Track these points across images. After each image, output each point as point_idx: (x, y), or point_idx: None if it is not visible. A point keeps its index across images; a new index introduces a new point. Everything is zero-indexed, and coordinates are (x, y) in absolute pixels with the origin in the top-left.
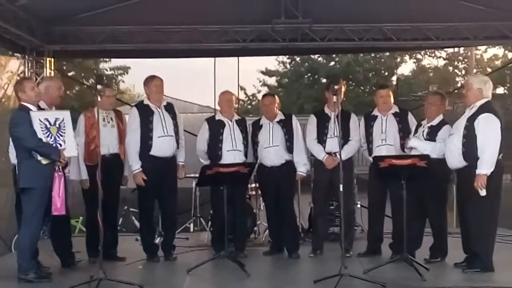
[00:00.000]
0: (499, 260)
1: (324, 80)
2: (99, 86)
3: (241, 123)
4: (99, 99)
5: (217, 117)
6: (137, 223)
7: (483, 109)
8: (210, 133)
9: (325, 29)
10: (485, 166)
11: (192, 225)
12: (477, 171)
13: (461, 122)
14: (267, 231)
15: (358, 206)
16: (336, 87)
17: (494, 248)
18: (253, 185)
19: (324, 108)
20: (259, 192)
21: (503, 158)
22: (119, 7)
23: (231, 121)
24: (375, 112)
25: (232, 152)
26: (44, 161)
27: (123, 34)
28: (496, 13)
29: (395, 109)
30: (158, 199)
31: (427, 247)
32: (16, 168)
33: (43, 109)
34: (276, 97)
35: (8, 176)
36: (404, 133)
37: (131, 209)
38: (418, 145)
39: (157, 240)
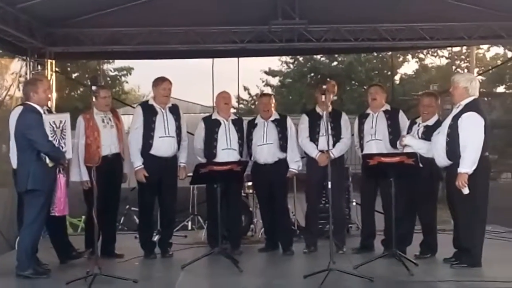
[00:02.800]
0: (490, 256)
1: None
2: (93, 87)
3: (237, 123)
4: (94, 99)
5: (213, 116)
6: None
7: (468, 107)
8: (205, 132)
9: (321, 30)
10: (466, 165)
11: (190, 223)
12: (458, 170)
13: (447, 121)
14: (263, 228)
15: (354, 204)
16: (324, 86)
17: (486, 244)
18: (250, 183)
19: (316, 108)
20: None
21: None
22: (119, 9)
23: (227, 120)
24: (368, 110)
25: (227, 151)
26: (50, 164)
27: (123, 35)
28: (490, 12)
29: (386, 107)
30: (158, 198)
31: (418, 243)
32: (18, 169)
33: (50, 112)
34: (272, 97)
35: (9, 176)
36: (393, 129)
37: (132, 208)
38: (413, 143)
39: (155, 238)
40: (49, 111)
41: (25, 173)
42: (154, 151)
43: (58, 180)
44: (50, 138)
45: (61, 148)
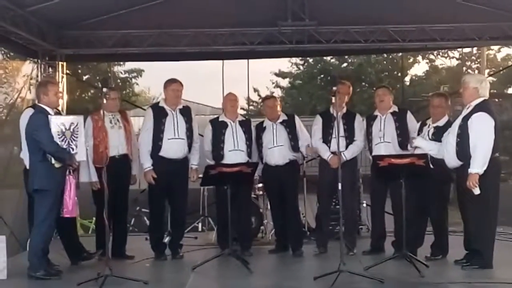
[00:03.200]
0: (500, 257)
1: None
2: (104, 89)
3: (244, 124)
4: (104, 101)
5: (220, 118)
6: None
7: (478, 108)
8: (213, 133)
9: (331, 31)
10: (477, 165)
11: (200, 224)
12: (469, 170)
13: (457, 122)
14: (274, 230)
15: (364, 205)
16: (334, 88)
17: (497, 246)
18: (260, 185)
19: (330, 109)
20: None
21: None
22: (129, 12)
23: (233, 121)
24: (376, 112)
25: (234, 152)
26: (57, 165)
27: (133, 38)
28: (500, 13)
29: (394, 108)
30: (168, 199)
31: (429, 245)
32: (29, 169)
33: (59, 114)
34: (277, 98)
35: (21, 178)
36: (402, 131)
37: (143, 210)
38: (424, 144)
39: (166, 239)
40: (58, 113)
41: (32, 173)
42: (163, 153)
43: (68, 182)
44: (57, 139)
45: (71, 150)
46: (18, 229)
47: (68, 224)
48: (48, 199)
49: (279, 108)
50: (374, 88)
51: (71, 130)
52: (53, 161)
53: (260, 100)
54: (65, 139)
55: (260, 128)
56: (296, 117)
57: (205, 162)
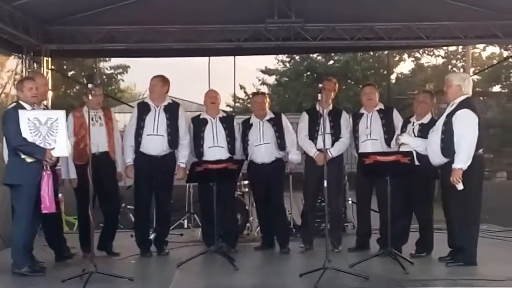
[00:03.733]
0: (484, 254)
1: None
2: (89, 85)
3: (225, 120)
4: (89, 97)
5: (201, 116)
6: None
7: (461, 105)
8: (194, 131)
9: (317, 29)
10: (460, 160)
11: (186, 221)
12: (453, 166)
13: (441, 119)
14: (259, 227)
15: (350, 202)
16: (320, 85)
17: (482, 243)
18: (246, 182)
19: (316, 106)
20: None
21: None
22: (115, 7)
23: (214, 118)
24: (362, 110)
25: (213, 148)
26: (28, 159)
27: (119, 33)
28: (485, 12)
29: (380, 106)
30: (154, 196)
31: (414, 242)
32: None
33: (36, 108)
34: (266, 95)
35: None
36: (388, 128)
37: (128, 206)
38: (410, 141)
39: (151, 236)
40: (46, 108)
41: (6, 168)
42: (143, 148)
43: (44, 177)
44: (28, 134)
45: (47, 145)
46: (1, 225)
47: (51, 220)
48: (22, 195)
49: (267, 106)
50: (360, 86)
51: (48, 124)
52: (22, 156)
53: (247, 97)
54: (40, 134)
55: (247, 125)
56: (283, 116)
57: (192, 159)
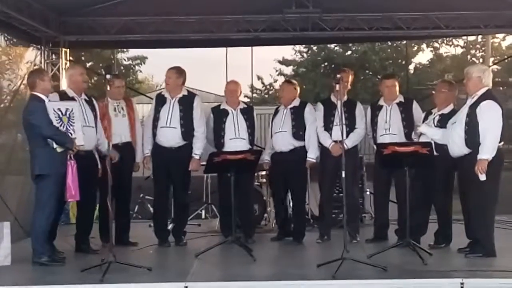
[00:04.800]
0: (504, 245)
1: None
2: (108, 76)
3: (246, 112)
4: (108, 88)
5: (222, 106)
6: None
7: (484, 96)
8: (214, 122)
9: (335, 19)
10: (487, 151)
11: (203, 212)
12: (479, 156)
13: (463, 111)
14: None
15: (368, 193)
16: (338, 76)
17: (502, 235)
18: (263, 172)
19: (331, 97)
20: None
21: (503, 146)
22: None
23: (235, 109)
24: (381, 101)
25: (235, 140)
26: (59, 149)
27: (136, 24)
28: (506, 1)
29: (400, 98)
30: (172, 187)
31: (432, 233)
32: (30, 156)
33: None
34: (295, 84)
35: (25, 164)
36: (408, 122)
37: (146, 197)
38: (428, 131)
39: (169, 226)
40: (88, 101)
41: (33, 159)
42: (158, 140)
43: (69, 166)
44: (56, 124)
45: (70, 135)
46: (22, 215)
47: (84, 211)
48: (48, 184)
49: (295, 94)
50: (379, 76)
51: (67, 115)
52: (54, 145)
53: (264, 88)
54: (63, 124)
55: (275, 112)
56: (309, 106)
57: (210, 150)
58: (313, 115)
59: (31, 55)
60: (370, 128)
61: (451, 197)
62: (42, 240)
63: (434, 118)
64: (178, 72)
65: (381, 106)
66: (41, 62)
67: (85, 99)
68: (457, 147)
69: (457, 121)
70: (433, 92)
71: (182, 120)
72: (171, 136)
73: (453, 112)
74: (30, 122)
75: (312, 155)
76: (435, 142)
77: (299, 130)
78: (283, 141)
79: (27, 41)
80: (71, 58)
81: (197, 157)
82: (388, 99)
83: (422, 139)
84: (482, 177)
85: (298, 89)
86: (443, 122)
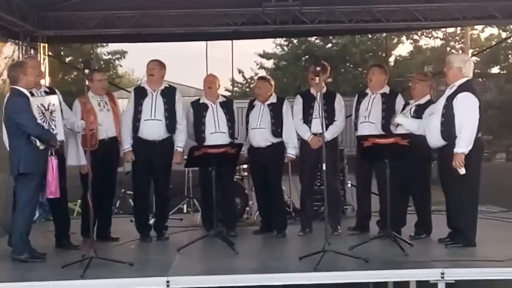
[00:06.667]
0: (484, 235)
1: None
2: (86, 71)
3: (225, 105)
4: (87, 83)
5: (201, 100)
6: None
7: (462, 88)
8: (194, 116)
9: (315, 12)
10: (463, 145)
11: (185, 206)
12: (455, 150)
13: (441, 102)
14: (258, 211)
15: (349, 185)
16: (317, 68)
17: (481, 224)
18: (245, 166)
19: (310, 89)
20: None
21: (482, 136)
22: None
23: (214, 103)
24: (367, 90)
25: (215, 134)
26: (41, 147)
27: (116, 18)
28: None
29: (386, 90)
30: (153, 181)
31: (413, 224)
32: (10, 153)
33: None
34: (270, 80)
35: (4, 161)
36: (387, 113)
37: (128, 192)
38: (404, 122)
39: (151, 221)
40: (49, 92)
41: (16, 157)
42: (140, 134)
43: (50, 163)
44: (39, 121)
45: (51, 130)
46: (1, 212)
47: (60, 207)
48: (31, 182)
49: (271, 90)
50: (359, 69)
51: (50, 110)
52: (37, 143)
53: (245, 82)
54: (45, 120)
55: (250, 106)
56: (286, 102)
57: (191, 144)
58: (290, 111)
59: (9, 50)
60: (354, 116)
61: (428, 188)
62: (23, 238)
63: (410, 109)
64: (160, 65)
65: (366, 94)
66: (19, 57)
67: (45, 91)
68: (435, 139)
69: (435, 112)
70: (410, 84)
71: (166, 112)
72: (156, 129)
73: (429, 103)
74: (16, 121)
75: (292, 151)
76: (411, 133)
77: (278, 127)
78: (261, 137)
79: (5, 36)
80: (50, 53)
81: (180, 149)
82: (373, 88)
83: (399, 130)
84: (462, 171)
85: (273, 84)
86: (419, 112)
